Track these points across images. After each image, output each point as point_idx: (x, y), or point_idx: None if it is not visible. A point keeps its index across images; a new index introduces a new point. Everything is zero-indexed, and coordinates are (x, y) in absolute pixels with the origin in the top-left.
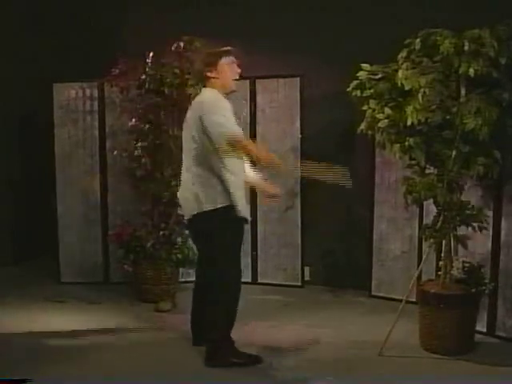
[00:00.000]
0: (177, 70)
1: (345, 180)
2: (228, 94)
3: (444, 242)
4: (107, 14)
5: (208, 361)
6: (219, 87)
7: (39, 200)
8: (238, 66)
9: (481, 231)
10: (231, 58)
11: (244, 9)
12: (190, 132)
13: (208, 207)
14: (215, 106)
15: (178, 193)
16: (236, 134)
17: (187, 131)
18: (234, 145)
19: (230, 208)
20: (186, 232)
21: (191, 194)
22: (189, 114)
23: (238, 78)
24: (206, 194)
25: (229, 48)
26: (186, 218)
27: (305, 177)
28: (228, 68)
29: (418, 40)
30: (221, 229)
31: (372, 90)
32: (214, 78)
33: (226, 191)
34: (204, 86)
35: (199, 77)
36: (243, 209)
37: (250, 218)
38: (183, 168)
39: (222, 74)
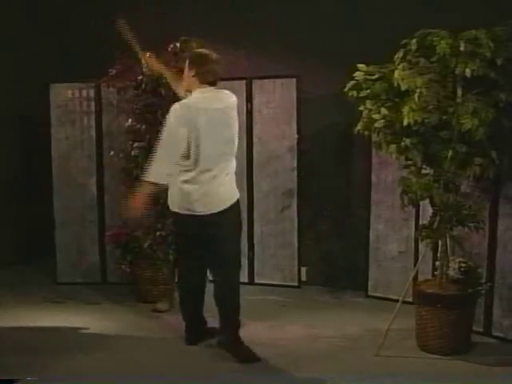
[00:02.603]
0: (174, 71)
1: None
2: None
3: (440, 242)
4: (104, 15)
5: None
6: None
7: (38, 201)
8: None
9: (477, 231)
10: None
11: (241, 9)
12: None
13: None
14: None
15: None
16: None
17: (226, 128)
18: None
19: None
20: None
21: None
22: (226, 108)
23: None
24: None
25: None
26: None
27: None
28: None
29: (414, 40)
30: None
31: (368, 91)
32: None
33: None
34: (211, 85)
35: (218, 76)
36: None
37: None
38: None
39: None
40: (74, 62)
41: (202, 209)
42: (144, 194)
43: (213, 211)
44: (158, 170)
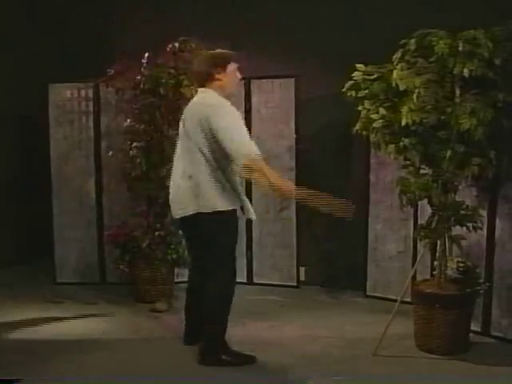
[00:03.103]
0: (172, 71)
1: (346, 212)
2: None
3: (439, 242)
4: (103, 15)
5: (202, 359)
6: (220, 90)
7: (38, 201)
8: (240, 71)
9: (475, 231)
10: (236, 64)
11: (241, 9)
12: (192, 134)
13: (219, 207)
14: (227, 113)
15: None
16: (255, 157)
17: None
18: (252, 168)
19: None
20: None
21: (192, 192)
22: (189, 115)
23: (238, 84)
24: (215, 195)
25: (236, 53)
26: (181, 216)
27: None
28: (234, 73)
29: (412, 40)
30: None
31: (367, 91)
32: (219, 80)
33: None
34: (201, 86)
35: (202, 76)
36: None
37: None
38: (182, 168)
39: (227, 78)
40: (73, 61)
41: (173, 213)
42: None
43: (179, 215)
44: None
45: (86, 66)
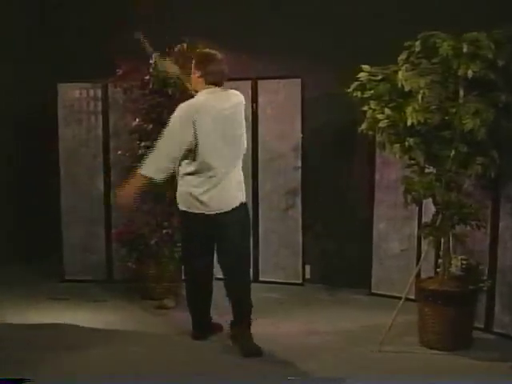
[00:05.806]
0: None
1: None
2: None
3: (443, 240)
4: (111, 15)
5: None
6: None
7: (38, 201)
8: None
9: (479, 229)
10: None
11: (246, 9)
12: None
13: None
14: None
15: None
16: None
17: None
18: None
19: None
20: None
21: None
22: (232, 108)
23: None
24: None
25: None
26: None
27: None
28: None
29: (417, 42)
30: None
31: (372, 91)
32: None
33: None
34: (219, 86)
35: (226, 76)
36: None
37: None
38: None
39: None
40: (82, 61)
41: (207, 208)
42: (135, 185)
43: (219, 211)
44: (154, 166)
45: (95, 66)
